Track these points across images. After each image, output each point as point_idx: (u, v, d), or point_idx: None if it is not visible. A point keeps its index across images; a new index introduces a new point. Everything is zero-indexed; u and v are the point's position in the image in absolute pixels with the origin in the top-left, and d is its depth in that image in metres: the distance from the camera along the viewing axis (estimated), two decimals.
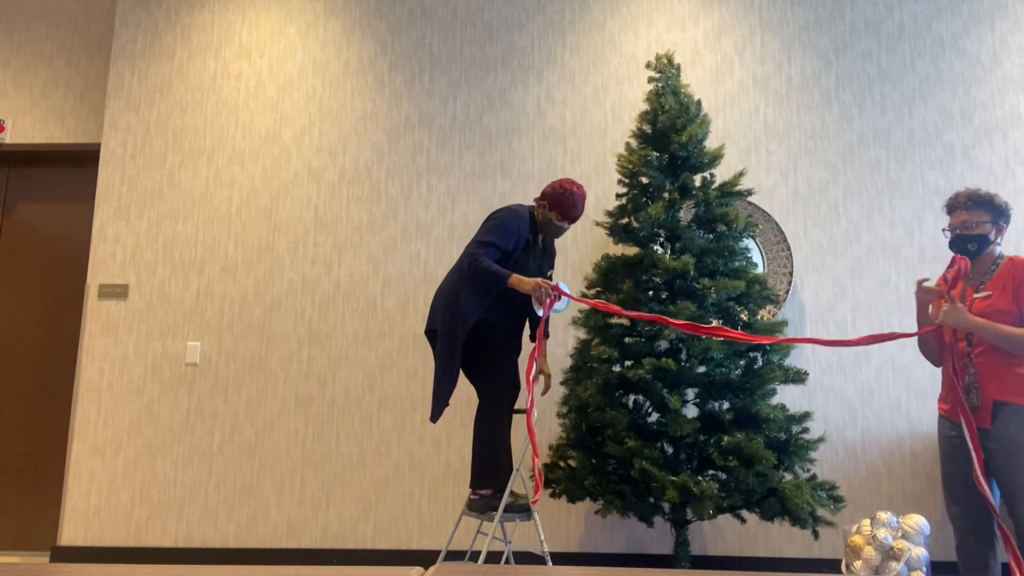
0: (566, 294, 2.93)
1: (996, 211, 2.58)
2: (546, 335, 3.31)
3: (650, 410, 3.38)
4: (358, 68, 4.39)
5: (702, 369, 3.35)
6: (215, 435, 4.07)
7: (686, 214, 4.00)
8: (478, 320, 3.03)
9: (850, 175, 4.18)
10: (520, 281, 2.88)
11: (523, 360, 3.90)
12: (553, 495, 3.41)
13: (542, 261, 3.20)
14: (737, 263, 3.37)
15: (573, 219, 3.10)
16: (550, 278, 3.20)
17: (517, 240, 3.01)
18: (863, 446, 3.94)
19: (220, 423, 4.08)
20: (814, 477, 3.20)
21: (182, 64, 4.43)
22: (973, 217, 2.59)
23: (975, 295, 2.60)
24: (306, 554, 3.99)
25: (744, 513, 3.81)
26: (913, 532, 1.09)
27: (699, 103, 3.54)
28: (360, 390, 4.09)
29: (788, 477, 3.49)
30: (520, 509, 3.00)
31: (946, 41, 4.28)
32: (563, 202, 3.03)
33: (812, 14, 4.34)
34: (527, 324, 3.53)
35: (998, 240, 2.62)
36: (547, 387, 3.20)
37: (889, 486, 3.91)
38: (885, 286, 4.06)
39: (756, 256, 4.09)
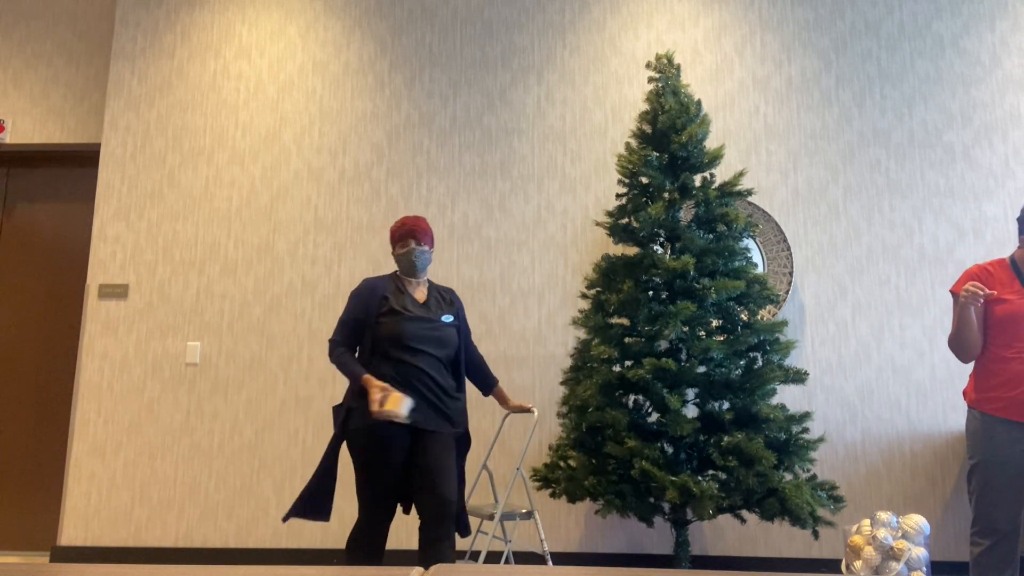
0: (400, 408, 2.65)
1: None
2: (494, 382, 3.14)
3: (650, 410, 3.38)
4: (358, 68, 4.39)
5: (702, 369, 3.36)
6: (215, 435, 4.07)
7: (686, 214, 4.00)
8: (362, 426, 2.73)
9: (850, 175, 4.18)
10: (368, 382, 2.68)
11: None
12: (553, 495, 3.41)
13: (436, 310, 2.90)
14: (737, 263, 3.37)
15: (403, 237, 2.90)
16: (455, 327, 2.92)
17: (367, 302, 2.82)
18: (863, 446, 3.94)
19: (220, 423, 4.08)
20: (814, 477, 3.20)
21: (182, 64, 4.43)
22: None
23: None
24: (306, 554, 3.99)
25: (744, 513, 3.81)
26: (913, 532, 1.09)
27: (699, 103, 3.54)
28: None
29: (788, 477, 3.49)
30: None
31: (946, 41, 4.28)
32: (391, 238, 2.95)
33: (812, 14, 4.34)
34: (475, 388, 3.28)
35: None
36: (530, 411, 3.13)
37: (889, 486, 3.91)
38: (885, 286, 4.06)
39: (756, 256, 4.09)
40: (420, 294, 2.94)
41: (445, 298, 2.99)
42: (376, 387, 2.65)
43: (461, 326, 2.99)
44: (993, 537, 2.61)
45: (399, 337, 2.76)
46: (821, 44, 4.31)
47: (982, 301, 2.50)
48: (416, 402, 2.75)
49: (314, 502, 2.72)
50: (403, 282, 2.93)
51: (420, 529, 2.66)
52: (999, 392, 2.62)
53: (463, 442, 2.94)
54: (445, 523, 2.65)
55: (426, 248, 2.93)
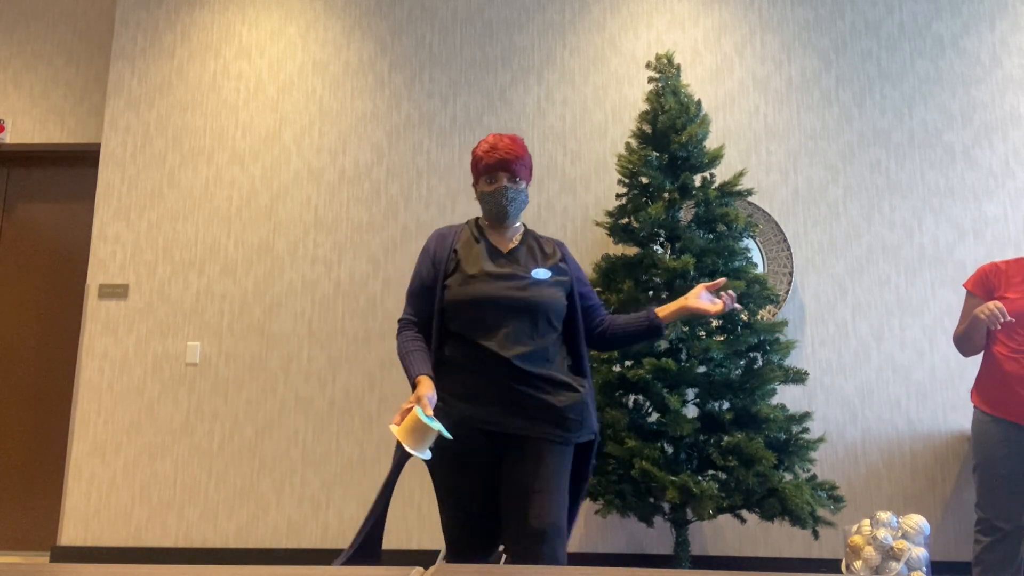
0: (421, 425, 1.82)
1: None
2: (652, 314, 2.13)
3: (650, 410, 3.38)
4: (358, 68, 4.39)
5: (702, 369, 3.35)
6: (215, 435, 4.07)
7: (686, 214, 4.00)
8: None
9: (850, 175, 4.18)
10: (418, 385, 1.94)
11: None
12: None
13: (526, 262, 2.10)
14: (737, 263, 3.37)
15: (490, 170, 2.09)
16: (559, 286, 2.09)
17: (434, 258, 2.10)
18: (863, 446, 3.94)
19: (220, 423, 4.08)
20: (814, 477, 3.20)
21: (182, 64, 4.43)
22: None
23: None
24: (306, 554, 3.99)
25: (744, 513, 3.81)
26: (913, 532, 1.09)
27: (699, 103, 3.54)
28: (360, 390, 4.09)
29: (788, 477, 3.49)
30: None
31: (946, 41, 4.28)
32: (472, 166, 2.17)
33: (812, 14, 4.34)
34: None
35: None
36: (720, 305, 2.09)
37: (889, 486, 3.91)
38: (885, 286, 4.06)
39: (756, 256, 4.09)
40: (504, 243, 2.14)
41: (544, 249, 2.15)
42: (411, 399, 1.88)
43: (574, 286, 2.12)
44: (994, 535, 2.62)
45: (467, 304, 1.99)
46: (821, 44, 4.31)
47: (999, 326, 2.52)
48: (488, 398, 1.97)
49: (364, 548, 1.87)
50: (484, 229, 2.17)
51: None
52: (998, 392, 2.66)
53: (584, 454, 2.06)
54: (540, 562, 1.86)
55: (523, 185, 2.12)
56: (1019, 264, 2.71)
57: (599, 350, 2.20)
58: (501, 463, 1.99)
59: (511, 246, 2.13)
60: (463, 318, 2.01)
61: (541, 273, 2.05)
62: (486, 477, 1.99)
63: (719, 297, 2.13)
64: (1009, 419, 2.62)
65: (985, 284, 2.73)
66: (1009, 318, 2.52)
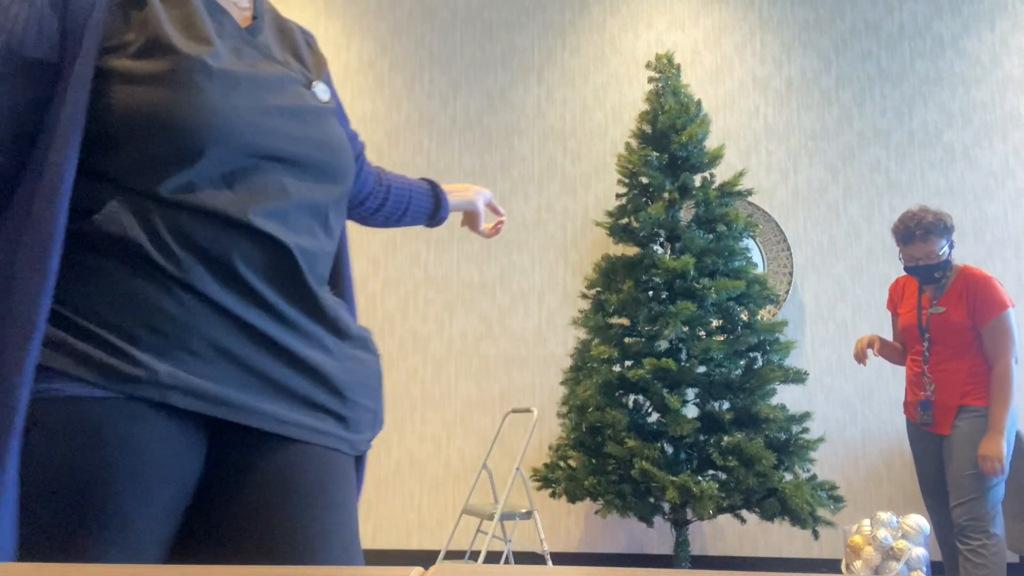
0: None
1: (948, 233, 2.64)
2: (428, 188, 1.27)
3: (650, 410, 3.38)
4: (358, 68, 4.39)
5: (702, 369, 3.36)
6: None
7: (686, 214, 4.00)
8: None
9: (850, 175, 4.18)
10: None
11: None
12: (553, 495, 3.41)
13: (292, 61, 1.06)
14: (737, 263, 3.37)
15: None
16: (337, 117, 1.09)
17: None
18: (863, 446, 3.94)
19: None
20: (814, 477, 3.21)
21: None
22: (932, 247, 2.63)
23: (930, 310, 2.71)
24: None
25: (744, 513, 3.82)
26: (913, 532, 1.09)
27: (699, 103, 3.54)
28: None
29: (788, 477, 3.49)
30: None
31: (946, 41, 4.28)
32: None
33: (812, 14, 4.34)
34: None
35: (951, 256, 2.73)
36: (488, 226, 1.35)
37: (889, 486, 3.91)
38: (885, 286, 4.06)
39: (756, 256, 4.09)
40: (233, 8, 0.96)
41: (293, 37, 1.10)
42: None
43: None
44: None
45: (189, 131, 0.78)
46: (821, 44, 4.31)
47: (864, 363, 2.82)
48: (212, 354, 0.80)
49: None
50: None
51: None
52: (906, 397, 2.87)
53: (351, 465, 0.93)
54: None
55: None
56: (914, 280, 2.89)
57: (361, 223, 1.27)
58: (207, 474, 0.86)
59: (247, 19, 0.99)
60: (170, 156, 0.80)
61: (323, 91, 1.05)
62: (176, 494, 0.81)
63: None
64: (912, 419, 2.84)
65: (891, 301, 2.95)
66: (872, 356, 2.85)
